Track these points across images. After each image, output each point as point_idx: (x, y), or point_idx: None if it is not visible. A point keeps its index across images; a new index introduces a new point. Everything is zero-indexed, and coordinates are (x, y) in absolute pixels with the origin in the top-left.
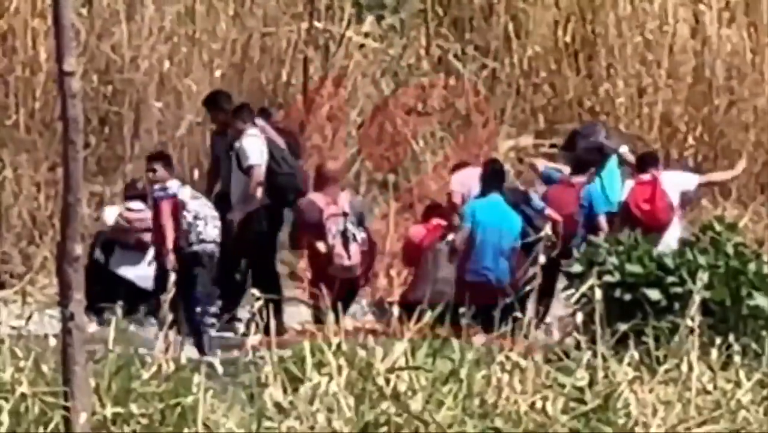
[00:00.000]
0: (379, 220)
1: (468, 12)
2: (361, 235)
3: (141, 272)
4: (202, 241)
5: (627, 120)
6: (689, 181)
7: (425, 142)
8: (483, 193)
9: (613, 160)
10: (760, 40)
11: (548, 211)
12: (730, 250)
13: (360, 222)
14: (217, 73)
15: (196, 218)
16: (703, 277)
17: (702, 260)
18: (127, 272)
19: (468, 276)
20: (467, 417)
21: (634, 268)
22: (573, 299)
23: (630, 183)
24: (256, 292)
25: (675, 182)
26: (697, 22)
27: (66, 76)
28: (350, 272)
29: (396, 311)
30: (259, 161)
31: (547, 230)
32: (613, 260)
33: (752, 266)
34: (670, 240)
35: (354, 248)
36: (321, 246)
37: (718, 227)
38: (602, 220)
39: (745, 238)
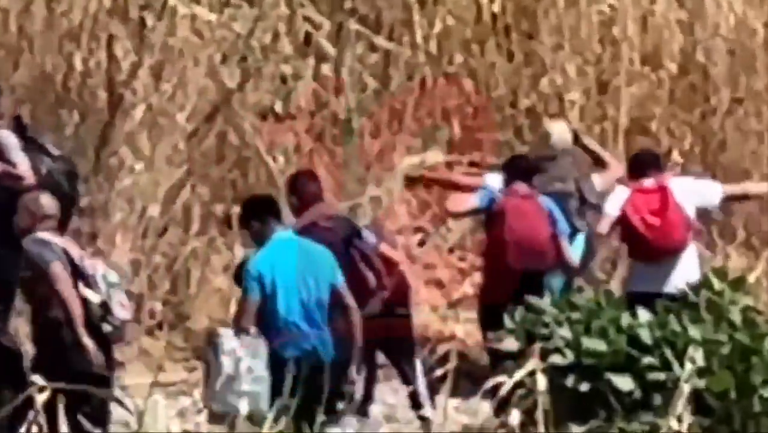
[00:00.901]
0: (220, 273)
1: None
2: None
3: None
4: None
5: (582, 127)
6: (710, 192)
7: (286, 158)
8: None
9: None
10: None
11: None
12: (735, 317)
13: None
14: None
15: None
16: (696, 357)
17: (694, 332)
18: None
19: (287, 352)
20: None
21: (595, 344)
22: (505, 390)
23: (623, 190)
24: (37, 379)
25: (690, 192)
26: None
27: None
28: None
29: None
30: None
31: None
32: (565, 332)
33: None
34: (687, 271)
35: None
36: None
37: (717, 284)
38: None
39: (757, 300)
